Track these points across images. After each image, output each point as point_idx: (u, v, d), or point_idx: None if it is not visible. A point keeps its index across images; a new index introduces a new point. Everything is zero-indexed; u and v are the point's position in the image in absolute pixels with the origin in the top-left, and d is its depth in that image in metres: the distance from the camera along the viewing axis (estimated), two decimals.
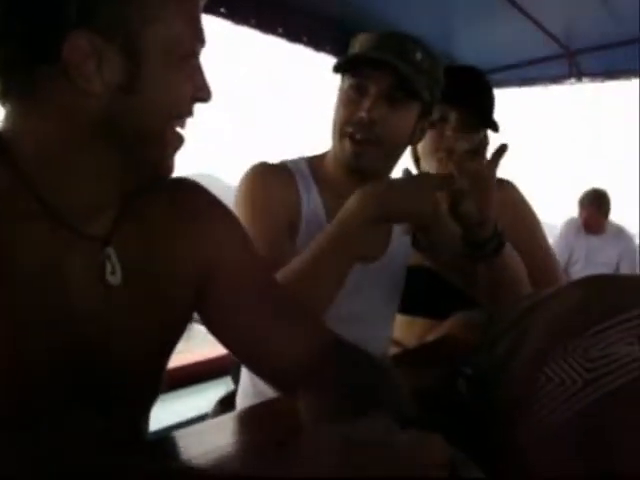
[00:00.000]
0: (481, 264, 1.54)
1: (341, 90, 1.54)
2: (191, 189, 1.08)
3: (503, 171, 2.14)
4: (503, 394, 0.90)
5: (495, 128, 2.01)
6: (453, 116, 1.93)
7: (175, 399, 2.71)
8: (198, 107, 0.92)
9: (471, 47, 3.22)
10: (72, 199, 0.87)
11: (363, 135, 1.48)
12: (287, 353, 1.06)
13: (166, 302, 1.00)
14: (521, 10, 2.77)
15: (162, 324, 1.00)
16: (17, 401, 0.84)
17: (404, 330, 2.03)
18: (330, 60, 2.93)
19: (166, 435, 1.02)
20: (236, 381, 1.83)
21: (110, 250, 0.92)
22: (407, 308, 1.96)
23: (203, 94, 0.91)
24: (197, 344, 2.53)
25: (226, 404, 1.82)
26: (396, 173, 1.68)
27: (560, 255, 4.62)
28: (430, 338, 1.89)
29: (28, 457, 0.79)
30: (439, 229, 1.74)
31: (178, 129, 0.91)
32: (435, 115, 1.95)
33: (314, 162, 1.64)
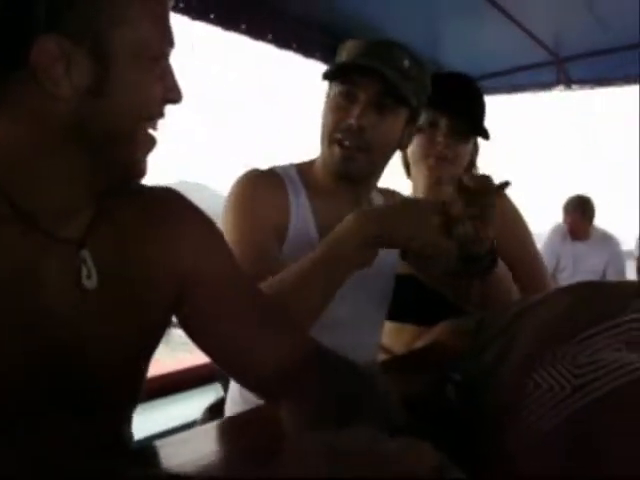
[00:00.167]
0: (475, 279, 1.54)
1: (329, 97, 1.55)
2: (164, 193, 1.08)
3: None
4: (492, 400, 0.90)
5: (486, 135, 2.02)
6: (443, 122, 1.94)
7: (164, 406, 2.70)
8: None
9: (460, 54, 3.22)
10: (44, 202, 0.87)
11: (352, 142, 1.48)
12: (270, 362, 1.05)
13: (142, 306, 0.99)
14: (510, 17, 2.78)
15: (138, 328, 0.99)
16: None
17: (393, 337, 2.02)
18: (319, 66, 2.94)
19: (152, 443, 1.02)
20: (225, 388, 1.82)
21: (85, 253, 0.92)
22: (396, 315, 1.95)
23: (173, 95, 0.91)
24: (174, 348, 2.52)
25: (215, 411, 1.82)
26: (384, 177, 1.68)
27: (547, 262, 4.63)
28: (419, 345, 1.89)
29: (7, 460, 0.79)
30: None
31: (150, 131, 0.91)
32: (424, 121, 1.96)
33: (303, 168, 1.64)
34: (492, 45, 3.19)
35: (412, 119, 1.58)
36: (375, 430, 0.66)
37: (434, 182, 2.02)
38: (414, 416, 0.92)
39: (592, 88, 3.51)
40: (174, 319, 1.09)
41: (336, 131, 1.50)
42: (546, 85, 3.57)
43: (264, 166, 1.62)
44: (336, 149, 1.50)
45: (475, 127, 2.00)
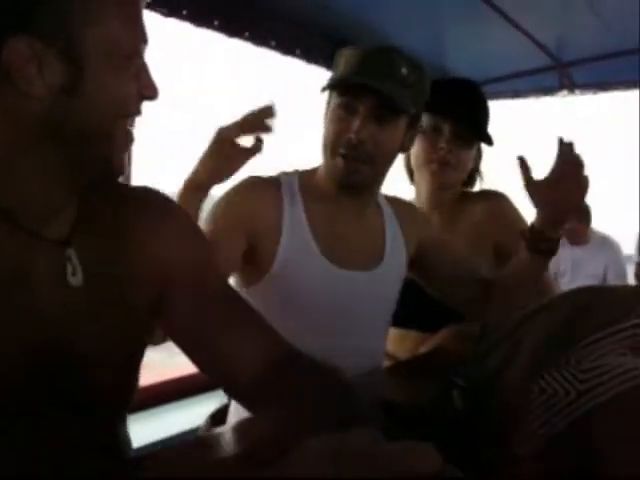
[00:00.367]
0: (535, 259, 1.63)
1: (329, 107, 1.56)
2: (145, 192, 1.08)
3: (495, 184, 2.16)
4: (497, 405, 0.89)
5: (489, 141, 2.02)
6: (446, 128, 1.94)
7: (166, 413, 2.69)
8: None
9: (463, 59, 3.22)
10: (24, 201, 0.88)
11: (354, 155, 1.50)
12: (243, 366, 1.05)
13: (128, 304, 1.00)
14: (512, 22, 2.78)
15: (127, 326, 1.00)
16: None
17: (397, 343, 2.02)
18: (323, 73, 2.93)
19: (151, 450, 1.01)
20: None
21: (71, 251, 0.93)
22: (400, 321, 1.95)
23: (149, 92, 0.92)
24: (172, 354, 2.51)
25: (218, 419, 1.81)
26: (387, 184, 1.69)
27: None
28: (422, 350, 1.88)
29: (6, 460, 0.79)
30: (438, 250, 1.76)
31: (126, 128, 0.92)
32: (427, 126, 1.96)
33: (305, 176, 1.65)
34: (495, 50, 3.19)
35: (412, 124, 1.59)
36: (374, 431, 0.66)
37: (437, 187, 2.02)
38: (419, 421, 0.92)
39: (595, 93, 3.51)
40: None
41: (338, 144, 1.51)
42: (549, 90, 3.57)
43: (267, 172, 1.64)
44: (339, 162, 1.51)
45: (478, 133, 2.00)
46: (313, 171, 1.64)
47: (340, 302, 1.55)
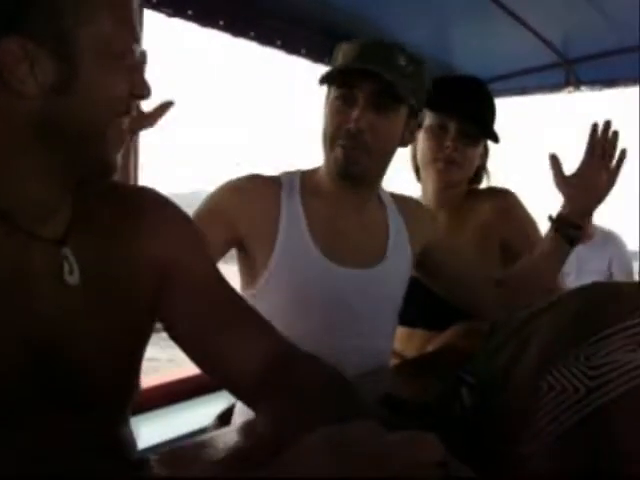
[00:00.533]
0: (560, 245, 1.68)
1: (328, 100, 1.56)
2: (141, 191, 1.10)
3: (502, 182, 2.16)
4: (505, 402, 0.89)
5: (495, 139, 2.01)
6: (453, 126, 1.94)
7: (174, 413, 2.69)
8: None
9: (469, 57, 3.21)
10: (20, 201, 0.89)
11: (353, 144, 1.50)
12: (244, 366, 1.05)
13: (126, 302, 1.00)
14: (518, 19, 2.77)
15: (125, 324, 1.00)
16: None
17: (404, 342, 2.02)
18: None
19: (159, 451, 1.01)
20: None
21: (67, 250, 0.93)
22: (407, 320, 1.95)
23: (141, 91, 0.92)
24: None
25: (225, 419, 1.80)
26: (387, 178, 1.69)
27: None
28: (430, 348, 1.88)
29: (4, 459, 0.79)
30: (442, 246, 1.76)
31: (120, 127, 0.92)
32: (433, 124, 1.96)
33: (307, 174, 1.66)
34: (501, 48, 3.18)
35: (412, 117, 1.59)
36: (374, 423, 0.66)
37: (443, 186, 2.02)
38: (427, 418, 0.92)
39: (601, 89, 3.50)
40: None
41: (337, 135, 1.52)
42: (555, 87, 3.55)
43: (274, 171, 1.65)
44: (339, 152, 1.52)
45: (484, 130, 1.99)
46: (315, 170, 1.65)
47: (340, 300, 1.55)
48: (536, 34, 2.95)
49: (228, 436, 1.10)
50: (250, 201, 1.55)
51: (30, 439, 0.89)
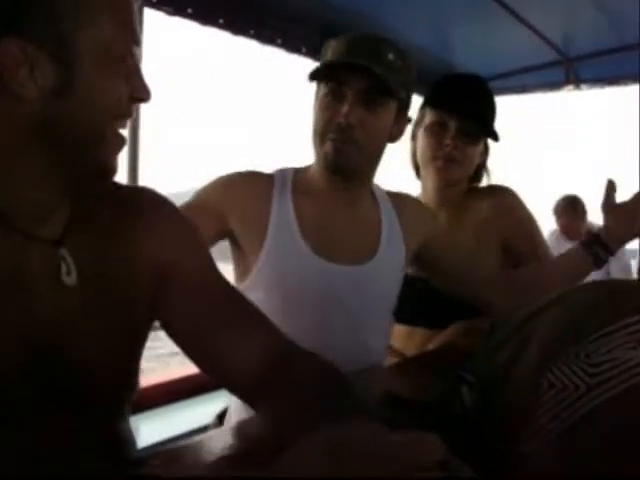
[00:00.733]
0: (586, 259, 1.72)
1: (318, 96, 1.56)
2: (139, 191, 1.10)
3: (502, 179, 2.16)
4: (506, 400, 0.89)
5: (495, 137, 2.01)
6: (453, 124, 1.93)
7: (175, 411, 2.69)
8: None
9: (470, 55, 3.22)
10: (18, 203, 0.89)
11: (343, 138, 1.50)
12: (242, 365, 1.05)
13: (124, 302, 1.01)
14: (519, 18, 2.78)
15: (123, 324, 1.00)
16: None
17: (404, 340, 2.02)
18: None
19: (159, 449, 1.01)
20: None
21: (64, 251, 0.93)
22: (407, 318, 1.95)
23: (141, 94, 0.92)
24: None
25: (225, 418, 1.80)
26: (379, 174, 1.69)
27: None
28: (431, 347, 1.88)
29: (7, 460, 0.79)
30: (442, 243, 1.75)
31: (119, 130, 0.93)
32: (433, 121, 1.96)
33: (299, 171, 1.66)
34: (501, 46, 3.19)
35: (401, 111, 1.59)
36: (377, 423, 0.66)
37: (443, 184, 2.02)
38: (427, 416, 0.92)
39: (602, 87, 3.50)
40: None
41: (327, 130, 1.52)
42: (555, 85, 3.56)
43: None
44: (329, 146, 1.52)
45: (484, 129, 1.99)
46: (308, 167, 1.65)
47: (331, 297, 1.54)
48: (536, 32, 2.96)
49: (228, 435, 1.09)
50: (242, 197, 1.56)
51: (30, 439, 0.89)
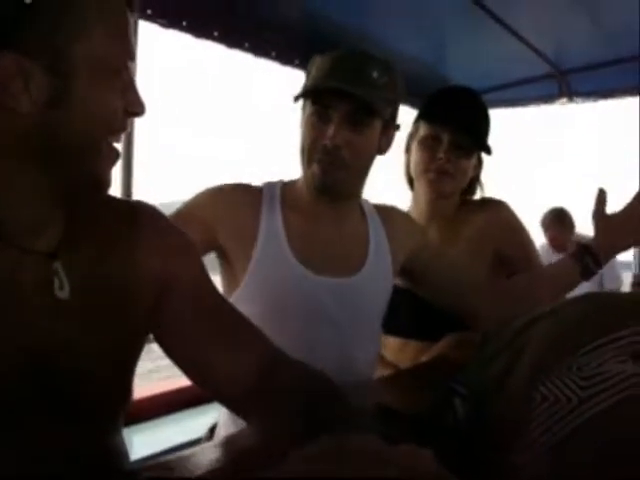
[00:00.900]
0: (575, 270, 1.75)
1: (304, 115, 1.56)
2: (134, 205, 1.10)
3: (495, 193, 2.16)
4: (498, 412, 0.89)
5: (488, 151, 2.01)
6: (446, 137, 1.93)
7: (168, 424, 2.68)
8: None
9: (463, 68, 3.23)
10: (13, 214, 0.89)
11: (330, 159, 1.50)
12: (234, 377, 1.06)
13: (119, 316, 1.00)
14: (512, 31, 2.79)
15: (118, 337, 1.00)
16: None
17: (398, 352, 2.02)
18: None
19: (151, 461, 1.01)
20: None
21: (58, 265, 0.93)
22: (400, 331, 1.95)
23: (135, 108, 0.92)
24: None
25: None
26: (367, 190, 1.69)
27: None
28: (423, 359, 1.88)
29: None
30: (428, 254, 1.75)
31: (113, 144, 0.93)
32: (426, 134, 1.96)
33: (287, 185, 1.67)
34: (494, 59, 3.20)
35: (388, 125, 1.59)
36: (373, 436, 0.66)
37: (435, 197, 2.02)
38: (419, 428, 0.92)
39: (595, 100, 3.51)
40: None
41: (314, 150, 1.52)
42: (548, 98, 3.58)
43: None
44: (316, 168, 1.52)
45: (477, 142, 1.99)
46: (296, 180, 1.65)
47: (318, 309, 1.54)
48: (530, 45, 2.97)
49: (219, 448, 1.09)
50: (230, 209, 1.56)
51: (22, 452, 0.89)
